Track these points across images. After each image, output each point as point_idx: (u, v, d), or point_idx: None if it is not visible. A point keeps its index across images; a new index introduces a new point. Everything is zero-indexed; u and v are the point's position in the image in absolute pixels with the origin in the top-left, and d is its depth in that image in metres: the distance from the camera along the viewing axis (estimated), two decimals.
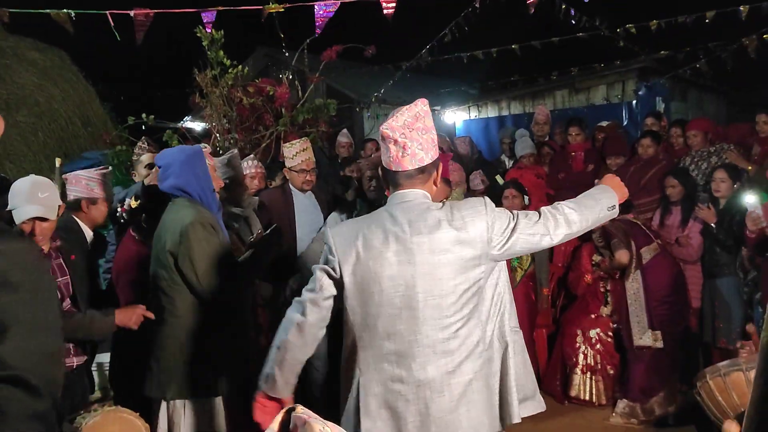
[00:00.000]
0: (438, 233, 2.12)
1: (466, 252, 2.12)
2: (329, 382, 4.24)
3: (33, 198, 2.98)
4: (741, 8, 6.21)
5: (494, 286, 2.25)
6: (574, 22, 6.86)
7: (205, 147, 3.12)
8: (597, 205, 2.33)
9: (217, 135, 6.07)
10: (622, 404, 4.83)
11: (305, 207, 4.70)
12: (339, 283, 2.18)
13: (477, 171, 6.08)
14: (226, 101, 6.01)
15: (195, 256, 2.77)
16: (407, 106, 2.19)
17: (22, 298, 0.78)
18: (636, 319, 4.79)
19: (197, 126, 8.27)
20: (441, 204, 2.21)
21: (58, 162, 5.67)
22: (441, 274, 2.11)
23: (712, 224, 4.80)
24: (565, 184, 6.23)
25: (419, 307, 2.11)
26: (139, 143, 4.96)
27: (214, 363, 2.83)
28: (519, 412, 2.23)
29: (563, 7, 6.72)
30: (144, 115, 6.05)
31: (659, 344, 4.72)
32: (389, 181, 2.24)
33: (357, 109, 9.89)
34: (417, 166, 2.17)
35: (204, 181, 2.94)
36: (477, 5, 6.79)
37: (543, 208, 2.27)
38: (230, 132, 6.09)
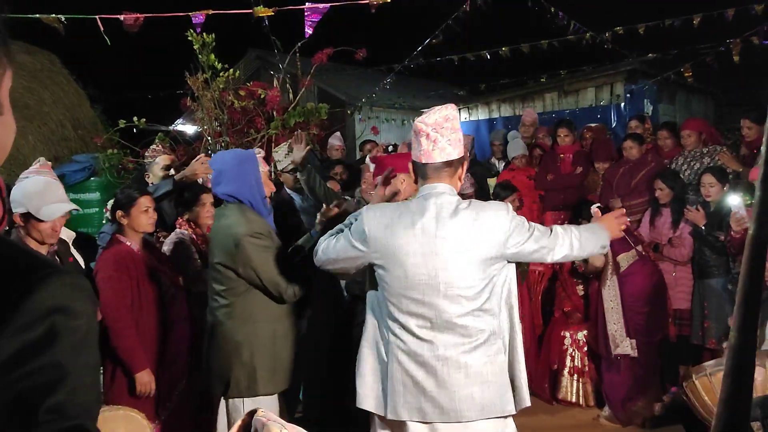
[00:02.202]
0: (462, 230, 2.36)
1: (484, 250, 2.36)
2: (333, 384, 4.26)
3: (55, 195, 3.02)
4: (727, 11, 6.29)
5: (503, 283, 2.47)
6: (565, 22, 6.90)
7: (260, 152, 3.23)
8: (595, 241, 2.57)
9: (209, 138, 6.07)
10: (606, 409, 4.84)
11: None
12: (365, 256, 2.46)
13: (465, 174, 6.10)
14: (218, 104, 6.02)
15: (255, 264, 2.87)
16: (438, 107, 2.45)
17: (81, 341, 0.76)
18: (614, 327, 4.71)
19: (189, 129, 8.27)
20: (468, 202, 2.45)
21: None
22: (461, 267, 2.35)
23: (702, 226, 4.84)
24: (553, 186, 6.28)
25: (440, 295, 2.36)
26: (153, 146, 5.05)
27: (271, 362, 2.95)
28: (524, 400, 2.46)
29: (552, 9, 6.77)
30: (135, 119, 6.05)
31: (635, 353, 4.67)
32: (418, 173, 2.50)
33: (348, 112, 9.90)
34: (445, 160, 2.42)
35: (256, 188, 3.01)
36: (467, 8, 6.83)
37: (555, 227, 2.52)
38: (221, 135, 6.09)
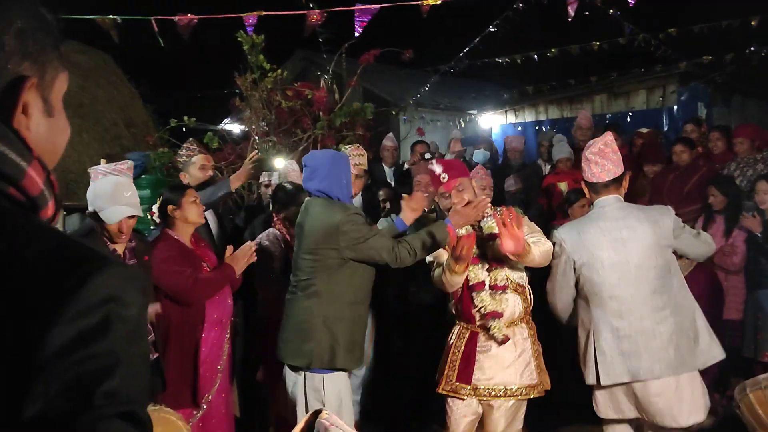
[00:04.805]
0: (641, 225, 3.11)
1: (661, 239, 3.12)
2: (368, 389, 4.28)
3: (120, 198, 3.03)
4: None
5: (675, 262, 3.21)
6: (622, 21, 6.74)
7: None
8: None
9: (256, 137, 6.15)
10: None
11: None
12: (573, 266, 3.20)
13: (514, 174, 6.14)
14: (265, 104, 6.09)
15: (364, 238, 3.08)
16: (599, 138, 3.22)
17: (133, 330, 0.78)
18: None
19: (235, 128, 8.38)
20: (635, 206, 3.23)
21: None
22: (647, 255, 3.09)
23: (758, 233, 4.68)
24: None
25: (633, 278, 3.08)
26: (186, 145, 4.83)
27: (350, 341, 3.14)
28: (714, 355, 3.16)
29: (609, 10, 6.64)
30: (186, 118, 6.16)
31: None
32: (591, 189, 3.25)
33: (393, 113, 9.89)
34: (611, 178, 3.16)
35: (346, 187, 3.24)
36: (518, 7, 6.76)
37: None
38: (269, 135, 6.16)
